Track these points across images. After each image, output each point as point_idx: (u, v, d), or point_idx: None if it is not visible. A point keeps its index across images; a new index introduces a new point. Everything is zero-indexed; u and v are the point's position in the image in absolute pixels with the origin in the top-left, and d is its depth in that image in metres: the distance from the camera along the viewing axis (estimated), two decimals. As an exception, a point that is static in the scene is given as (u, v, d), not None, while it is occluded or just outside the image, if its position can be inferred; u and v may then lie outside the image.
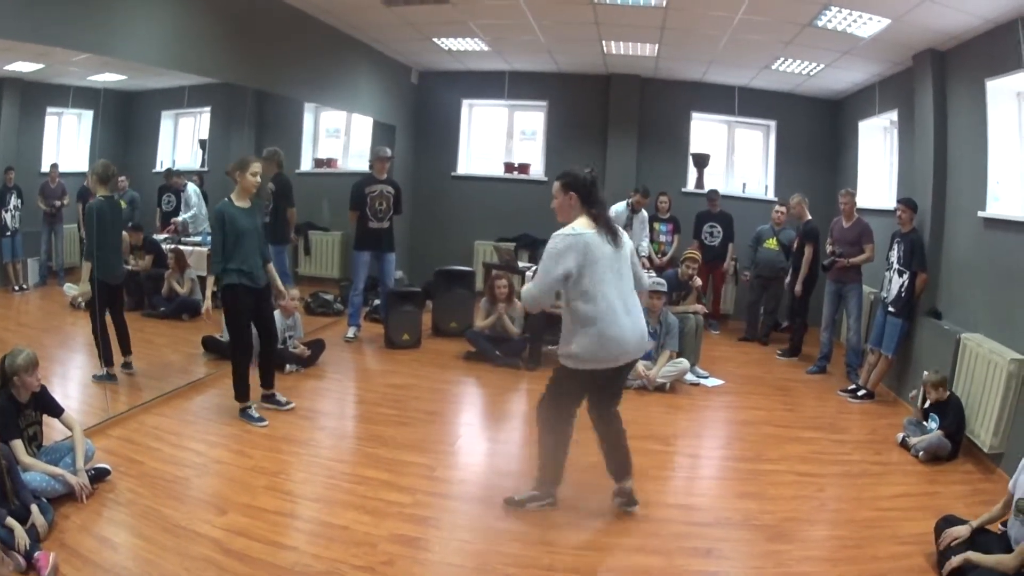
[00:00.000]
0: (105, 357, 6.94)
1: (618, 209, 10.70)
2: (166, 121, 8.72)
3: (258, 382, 7.03)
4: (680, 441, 7.17)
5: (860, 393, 8.52)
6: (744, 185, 13.43)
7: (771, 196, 12.82)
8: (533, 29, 9.93)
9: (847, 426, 7.71)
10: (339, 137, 12.98)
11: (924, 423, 6.99)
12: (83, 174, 6.92)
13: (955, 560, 4.34)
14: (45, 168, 7.29)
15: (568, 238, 4.78)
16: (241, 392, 6.75)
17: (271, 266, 6.95)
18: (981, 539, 4.55)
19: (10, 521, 4.16)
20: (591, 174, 5.02)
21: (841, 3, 7.39)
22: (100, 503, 4.93)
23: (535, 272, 4.99)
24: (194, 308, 8.77)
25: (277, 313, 7.74)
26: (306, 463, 5.96)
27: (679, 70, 12.21)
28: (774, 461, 6.55)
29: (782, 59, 10.24)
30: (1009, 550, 4.28)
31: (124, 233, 7.52)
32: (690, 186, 13.28)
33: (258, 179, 6.56)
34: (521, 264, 10.89)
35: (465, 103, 14.07)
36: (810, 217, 10.33)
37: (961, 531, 4.61)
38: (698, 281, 9.38)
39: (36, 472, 4.78)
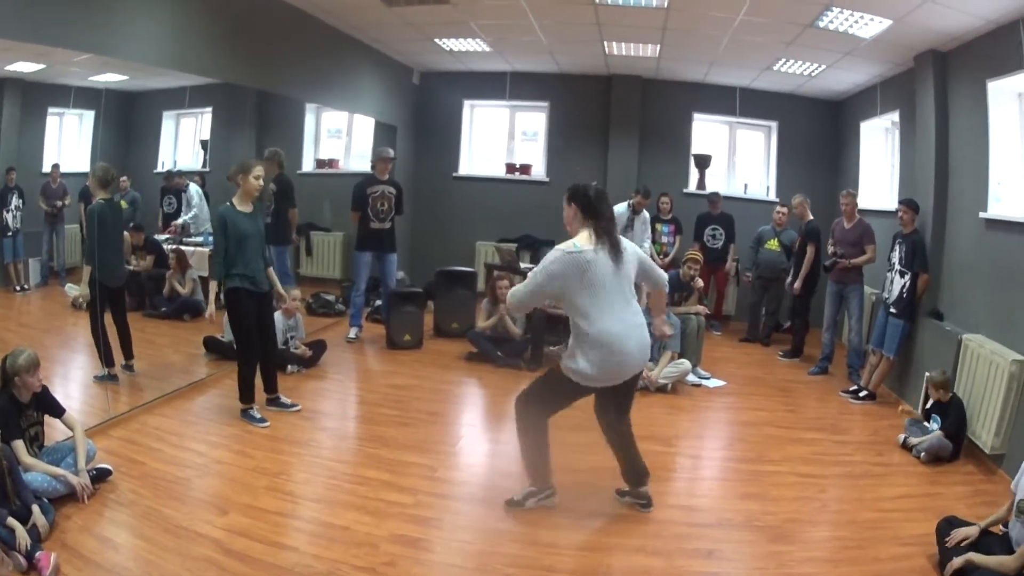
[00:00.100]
0: (106, 358, 6.94)
1: (619, 210, 10.66)
2: (167, 121, 8.73)
3: (261, 386, 7.01)
4: (682, 442, 7.16)
5: (862, 394, 8.52)
6: (745, 186, 13.42)
7: (772, 197, 12.82)
8: (534, 30, 9.93)
9: (849, 427, 7.71)
10: (341, 138, 12.99)
11: (925, 424, 6.99)
12: (84, 174, 6.91)
13: (957, 561, 4.35)
14: (46, 168, 7.29)
15: (567, 257, 4.75)
16: (245, 395, 6.75)
17: (271, 270, 6.94)
18: (983, 540, 4.55)
19: (11, 521, 4.16)
20: (594, 187, 4.98)
21: (842, 4, 7.38)
22: (101, 503, 4.93)
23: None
24: (195, 308, 8.81)
25: (279, 314, 7.76)
26: (307, 464, 5.96)
27: (680, 71, 12.20)
28: (776, 462, 6.55)
29: (783, 60, 10.23)
30: (1011, 551, 4.29)
31: (125, 233, 7.52)
32: (691, 187, 13.27)
33: (260, 183, 6.56)
34: (523, 265, 10.88)
35: (467, 104, 14.07)
36: (812, 217, 10.32)
37: (971, 531, 4.61)
38: (700, 282, 9.37)
39: (37, 472, 4.78)
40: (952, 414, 6.75)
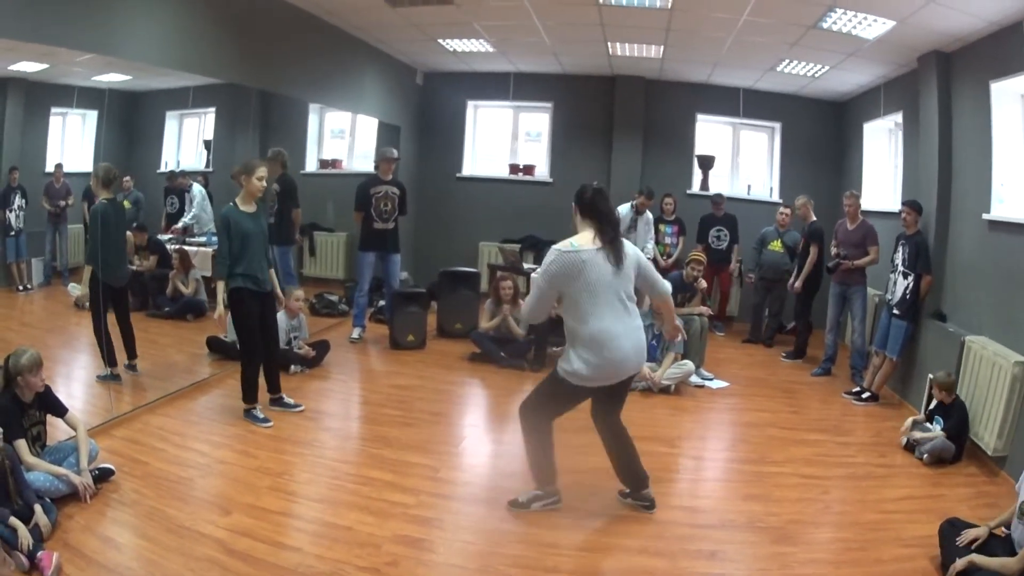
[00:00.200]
0: (108, 357, 6.94)
1: (623, 211, 10.68)
2: (171, 121, 8.74)
3: (265, 386, 7.02)
4: (685, 443, 7.17)
5: (864, 395, 8.51)
6: (749, 187, 13.41)
7: (776, 198, 12.82)
8: (538, 30, 9.93)
9: (851, 428, 7.71)
10: (344, 138, 13.00)
11: (928, 424, 6.98)
12: (88, 174, 6.91)
13: (959, 563, 4.34)
14: (49, 168, 7.30)
15: (563, 256, 4.76)
16: (249, 395, 6.75)
17: (272, 272, 6.93)
18: (986, 542, 4.54)
19: (13, 521, 4.17)
20: (593, 187, 4.98)
21: (846, 5, 7.38)
22: (104, 503, 4.94)
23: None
24: (199, 308, 8.83)
25: (282, 314, 7.76)
26: (310, 464, 5.96)
27: (684, 72, 12.20)
28: (779, 463, 6.54)
29: (787, 61, 10.23)
30: (1013, 553, 4.29)
31: (128, 234, 7.52)
32: (695, 188, 13.26)
33: (263, 183, 6.55)
34: (526, 265, 10.88)
35: (470, 104, 14.08)
36: (815, 219, 10.31)
37: (980, 532, 4.60)
38: (703, 283, 9.36)
39: (40, 472, 4.79)
40: (955, 416, 6.74)
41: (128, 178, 7.74)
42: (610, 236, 4.83)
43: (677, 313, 8.68)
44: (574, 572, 4.52)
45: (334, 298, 11.48)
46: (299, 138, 11.75)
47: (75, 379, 7.30)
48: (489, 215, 13.63)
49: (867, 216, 9.34)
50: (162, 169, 8.76)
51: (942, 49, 8.23)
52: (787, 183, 12.85)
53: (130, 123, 7.90)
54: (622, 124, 13.09)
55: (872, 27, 7.89)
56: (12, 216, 6.99)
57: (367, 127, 12.77)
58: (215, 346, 8.34)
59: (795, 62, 10.23)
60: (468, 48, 11.43)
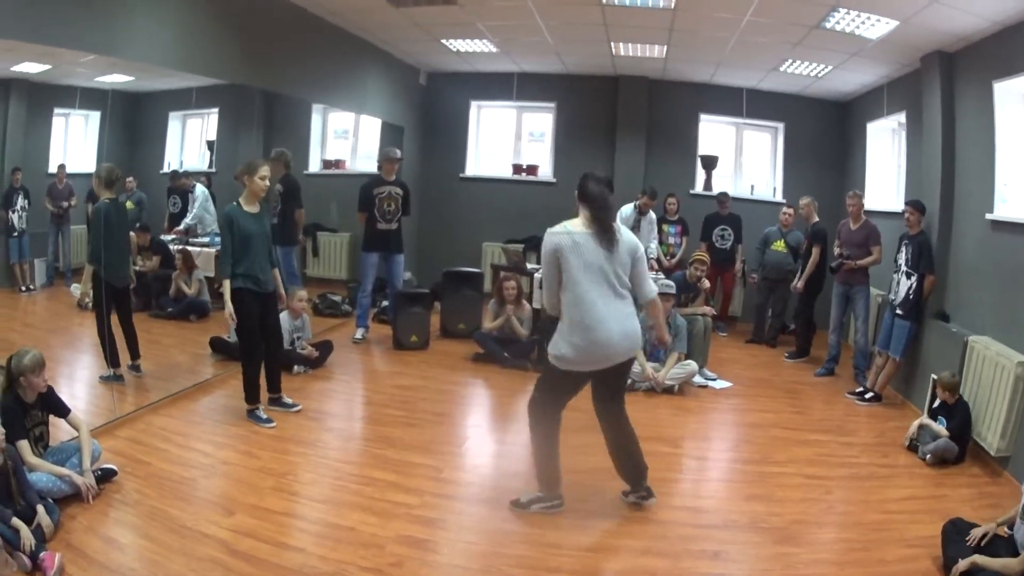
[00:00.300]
0: (111, 358, 6.94)
1: (626, 211, 10.68)
2: (174, 122, 8.75)
3: (265, 386, 7.01)
4: (688, 443, 7.16)
5: (868, 396, 8.50)
6: (752, 187, 13.40)
7: (779, 198, 12.83)
8: (541, 30, 9.93)
9: (855, 429, 7.70)
10: (347, 138, 13.02)
11: (933, 425, 6.97)
12: (91, 175, 6.91)
13: (962, 564, 4.34)
14: (52, 169, 7.32)
15: (554, 237, 4.88)
16: (251, 395, 6.75)
17: (276, 272, 6.92)
18: (988, 542, 4.54)
19: (16, 521, 4.17)
20: (591, 173, 5.08)
21: (849, 5, 7.37)
22: (106, 504, 4.94)
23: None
24: (201, 309, 8.85)
25: (285, 314, 7.77)
26: (313, 464, 5.95)
27: (687, 72, 12.20)
28: (782, 463, 6.54)
29: (790, 61, 10.22)
30: (1016, 554, 4.28)
31: (132, 234, 7.52)
32: (698, 188, 13.26)
33: (266, 183, 6.55)
34: (529, 266, 10.87)
35: (473, 104, 14.07)
36: (818, 219, 10.31)
37: (988, 528, 4.62)
38: (706, 283, 9.37)
39: (42, 472, 4.79)
40: (958, 416, 6.73)
41: (131, 179, 7.75)
42: (599, 218, 4.89)
43: (681, 313, 8.76)
44: (577, 572, 4.52)
45: (337, 298, 11.48)
46: (302, 138, 11.76)
47: (78, 379, 7.30)
48: (492, 215, 13.62)
49: (870, 216, 9.33)
50: (165, 170, 8.77)
51: (945, 49, 8.22)
52: (790, 183, 12.84)
53: (133, 124, 7.92)
54: (625, 124, 13.09)
55: (875, 27, 7.89)
56: (15, 217, 7.01)
57: (370, 127, 12.76)
58: (218, 346, 8.35)
59: (798, 62, 10.23)
60: (471, 48, 11.43)
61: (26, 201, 7.04)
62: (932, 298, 8.15)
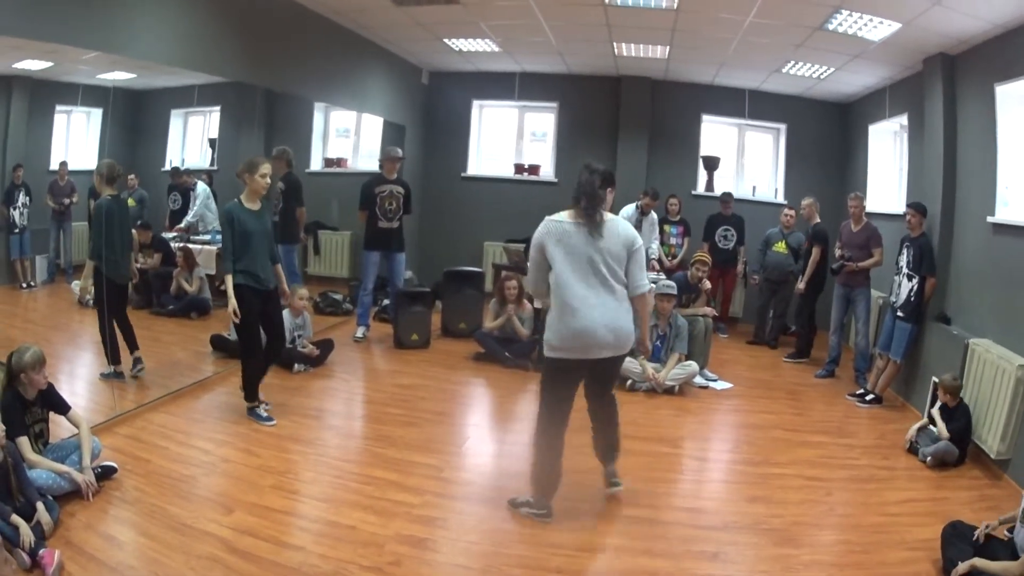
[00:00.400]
0: (112, 355, 6.93)
1: (628, 212, 10.69)
2: (175, 120, 8.75)
3: (263, 382, 6.97)
4: (688, 444, 7.17)
5: (868, 398, 8.49)
6: (754, 188, 13.41)
7: (781, 199, 12.81)
8: (544, 30, 9.92)
9: (855, 430, 7.70)
10: (349, 137, 13.01)
11: (932, 428, 6.97)
12: (92, 172, 6.91)
13: (962, 567, 4.34)
14: (54, 166, 7.31)
15: (545, 224, 5.05)
16: (250, 392, 6.74)
17: (279, 268, 6.92)
18: (988, 545, 4.54)
19: (15, 519, 4.17)
20: (589, 163, 5.14)
21: (852, 7, 7.37)
22: (106, 501, 4.94)
23: None
24: (202, 307, 8.84)
25: (286, 312, 7.76)
26: (313, 462, 5.96)
27: (690, 72, 12.20)
28: (782, 465, 6.54)
29: (792, 62, 10.22)
30: (1015, 557, 4.28)
31: (133, 232, 7.51)
32: (700, 189, 13.25)
33: (267, 181, 6.54)
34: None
35: (475, 104, 14.07)
36: (819, 220, 10.31)
37: (992, 524, 4.65)
38: (708, 284, 9.38)
39: (42, 469, 4.79)
40: (959, 419, 6.73)
41: (133, 176, 7.75)
42: (584, 207, 4.94)
43: (682, 314, 8.77)
44: (577, 572, 4.53)
45: (338, 297, 11.48)
46: (304, 137, 11.75)
47: (78, 376, 7.31)
48: (494, 215, 13.61)
49: (871, 218, 9.33)
50: (166, 167, 8.77)
51: (947, 51, 8.22)
52: (792, 184, 12.83)
53: (135, 121, 7.91)
54: (627, 124, 13.08)
55: (878, 29, 7.89)
56: (16, 213, 7.00)
57: (372, 126, 12.77)
58: (219, 344, 8.34)
59: (801, 63, 10.23)
60: (474, 48, 11.43)
61: (27, 198, 7.03)
62: (933, 301, 8.15)
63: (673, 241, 11.99)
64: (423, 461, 6.06)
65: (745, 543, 5.02)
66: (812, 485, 6.09)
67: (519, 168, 13.86)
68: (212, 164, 9.30)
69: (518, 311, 9.32)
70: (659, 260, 11.33)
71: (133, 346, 7.20)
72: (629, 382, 8.32)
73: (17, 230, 7.09)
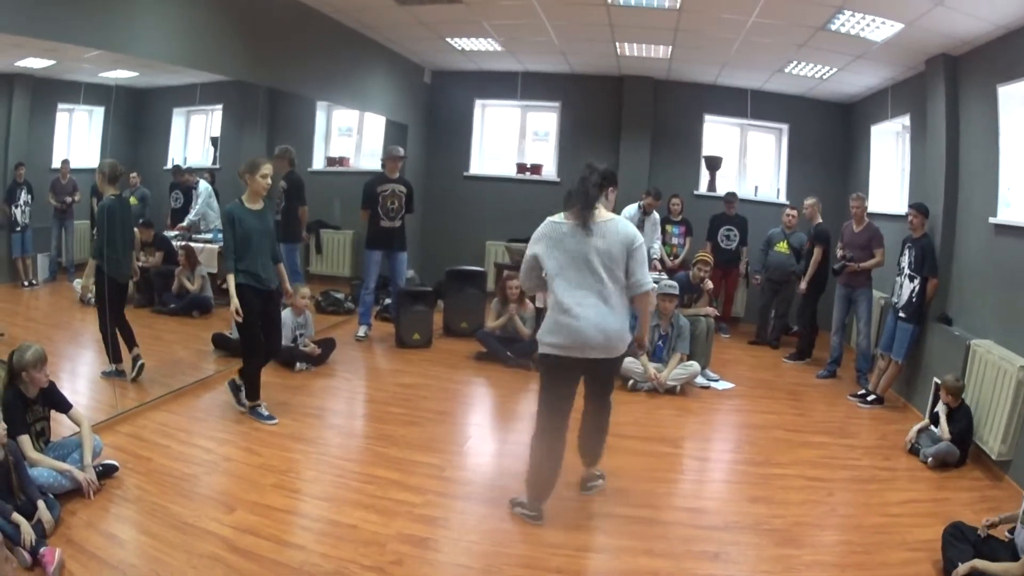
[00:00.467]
0: (113, 353, 6.93)
1: (630, 212, 10.68)
2: (178, 118, 8.75)
3: (264, 381, 6.96)
4: (690, 444, 7.17)
5: (870, 398, 8.49)
6: (756, 188, 13.38)
7: (783, 199, 12.77)
8: (546, 30, 9.92)
9: (856, 431, 7.69)
10: (351, 136, 13.00)
11: (933, 428, 6.97)
12: (94, 171, 6.91)
13: (962, 568, 4.34)
14: (56, 164, 7.31)
15: (546, 225, 5.11)
16: (251, 391, 6.74)
17: (281, 267, 6.91)
18: (989, 546, 4.54)
19: (16, 517, 4.17)
20: (590, 162, 5.16)
21: (854, 7, 7.36)
22: (107, 499, 4.94)
23: None
24: (204, 305, 8.85)
25: (288, 311, 7.76)
26: (315, 461, 5.96)
27: (692, 72, 12.19)
28: (783, 465, 6.53)
29: (795, 62, 10.21)
30: (1016, 558, 4.28)
31: (135, 230, 7.51)
32: (702, 189, 13.25)
33: (268, 181, 6.54)
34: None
35: (478, 103, 14.06)
36: (821, 220, 10.31)
37: (993, 519, 4.66)
38: (709, 284, 9.37)
39: (43, 468, 4.79)
40: (960, 420, 6.73)
41: (135, 174, 7.75)
42: (574, 206, 5.00)
43: (684, 314, 8.76)
44: (578, 572, 4.53)
45: (340, 296, 11.48)
46: (306, 135, 11.75)
47: (80, 375, 7.31)
48: (496, 214, 13.59)
49: (873, 218, 9.33)
50: (168, 166, 8.77)
51: (950, 52, 8.21)
52: (794, 185, 12.81)
53: (137, 120, 7.91)
54: (630, 124, 13.08)
55: (880, 29, 7.88)
56: (18, 212, 7.00)
57: (374, 125, 12.77)
58: (220, 343, 8.34)
59: (803, 64, 10.22)
60: (476, 47, 11.42)
61: (29, 196, 7.03)
62: (935, 301, 8.14)
63: (675, 241, 11.99)
64: (425, 460, 6.06)
65: (746, 543, 5.02)
66: (813, 485, 6.09)
67: (521, 168, 13.85)
68: (214, 163, 9.30)
69: (520, 311, 9.33)
70: (661, 260, 11.33)
71: (132, 344, 7.18)
72: (631, 382, 8.32)
73: (19, 228, 7.09)
